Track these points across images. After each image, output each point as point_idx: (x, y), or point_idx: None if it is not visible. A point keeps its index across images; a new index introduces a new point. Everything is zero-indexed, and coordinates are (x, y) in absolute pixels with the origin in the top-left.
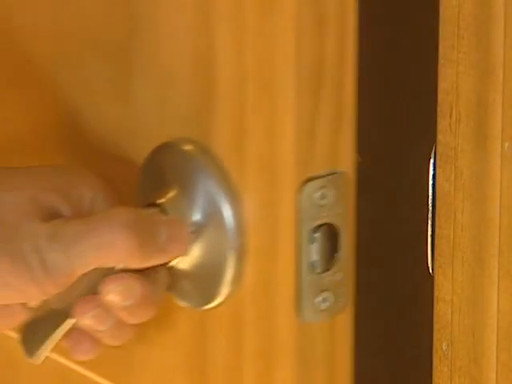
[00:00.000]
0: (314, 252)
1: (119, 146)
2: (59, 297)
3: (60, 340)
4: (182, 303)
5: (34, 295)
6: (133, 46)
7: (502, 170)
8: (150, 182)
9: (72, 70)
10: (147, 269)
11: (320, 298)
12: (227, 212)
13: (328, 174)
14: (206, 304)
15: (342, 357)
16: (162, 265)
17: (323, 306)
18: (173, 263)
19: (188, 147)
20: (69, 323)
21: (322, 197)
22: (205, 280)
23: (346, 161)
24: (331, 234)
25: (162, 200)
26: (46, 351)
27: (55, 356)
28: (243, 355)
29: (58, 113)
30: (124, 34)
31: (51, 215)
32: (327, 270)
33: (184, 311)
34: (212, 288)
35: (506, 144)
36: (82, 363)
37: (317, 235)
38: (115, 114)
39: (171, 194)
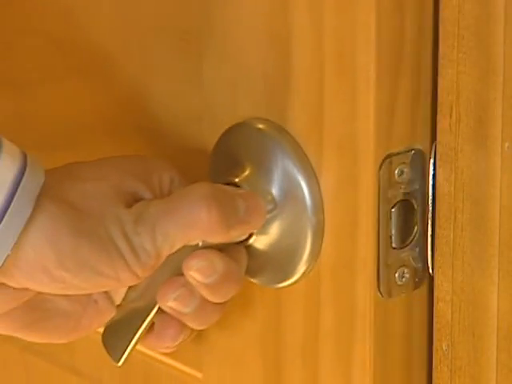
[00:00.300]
0: (392, 228)
1: (188, 131)
2: (140, 293)
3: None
4: (257, 281)
5: (127, 281)
6: (203, 30)
7: (502, 170)
8: (222, 163)
9: (138, 56)
10: (228, 247)
11: (398, 274)
12: (305, 189)
13: (406, 151)
14: (282, 282)
15: (419, 331)
16: (241, 243)
17: (401, 281)
18: (250, 241)
19: (262, 126)
20: (151, 315)
21: (400, 173)
22: (282, 258)
23: (423, 138)
24: (407, 210)
25: (238, 179)
26: (131, 351)
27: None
28: (319, 331)
29: (125, 99)
30: (194, 17)
31: (134, 201)
32: (405, 246)
33: (258, 290)
34: (289, 266)
35: (506, 144)
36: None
37: (394, 211)
38: (183, 99)
39: (247, 173)
